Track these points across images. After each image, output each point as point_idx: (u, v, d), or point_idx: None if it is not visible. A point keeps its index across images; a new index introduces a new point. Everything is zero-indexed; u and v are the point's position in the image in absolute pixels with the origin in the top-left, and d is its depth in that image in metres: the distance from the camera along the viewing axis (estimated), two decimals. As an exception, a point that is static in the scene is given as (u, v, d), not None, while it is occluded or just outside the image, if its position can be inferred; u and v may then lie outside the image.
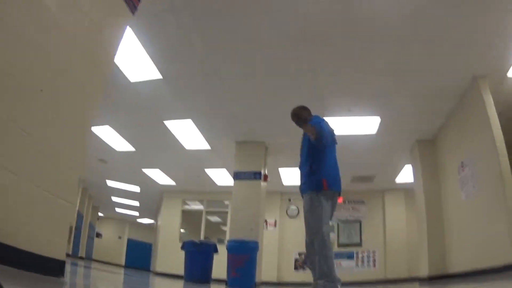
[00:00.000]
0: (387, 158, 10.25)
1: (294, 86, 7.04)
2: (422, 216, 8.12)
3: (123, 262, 22.66)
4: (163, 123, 8.87)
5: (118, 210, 21.44)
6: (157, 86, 7.30)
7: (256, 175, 9.03)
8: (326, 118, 4.88)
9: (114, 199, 18.67)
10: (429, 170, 8.24)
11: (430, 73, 6.43)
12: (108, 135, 9.92)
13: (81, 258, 17.32)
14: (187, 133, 9.39)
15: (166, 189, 14.96)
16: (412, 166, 9.35)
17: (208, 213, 14.69)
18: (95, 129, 9.44)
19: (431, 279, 7.39)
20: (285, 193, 13.31)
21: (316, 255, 3.89)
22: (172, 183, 14.04)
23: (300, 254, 12.51)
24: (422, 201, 8.18)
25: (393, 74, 6.52)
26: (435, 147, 8.39)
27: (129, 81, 7.12)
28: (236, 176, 9.17)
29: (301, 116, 4.30)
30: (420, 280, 8.21)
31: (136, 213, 21.66)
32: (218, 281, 8.93)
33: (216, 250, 8.27)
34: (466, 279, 6.16)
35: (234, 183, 9.17)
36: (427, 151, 8.48)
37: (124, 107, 8.34)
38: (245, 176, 9.05)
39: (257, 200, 8.84)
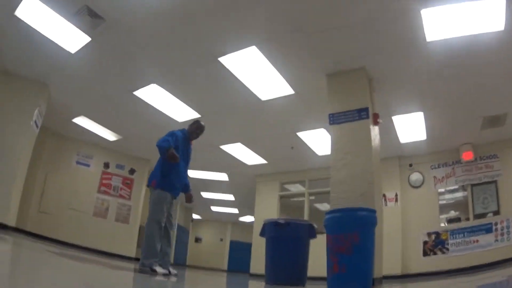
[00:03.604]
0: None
1: None
2: None
3: (225, 266, 21.87)
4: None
5: (214, 208, 20.17)
6: None
7: (362, 114, 6.24)
8: None
9: (204, 194, 17.08)
10: None
11: None
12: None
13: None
14: (258, 74, 7.13)
15: (257, 171, 12.83)
16: None
17: (312, 195, 11.92)
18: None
19: None
20: (404, 156, 10.34)
21: None
22: (262, 161, 11.80)
23: (429, 234, 9.42)
24: None
25: None
26: None
27: None
28: (333, 119, 6.45)
29: None
30: None
31: (236, 210, 20.12)
32: (318, 279, 6.25)
33: (313, 233, 5.58)
34: None
35: (331, 130, 6.49)
36: None
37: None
38: (345, 118, 6.33)
39: (366, 151, 6.04)
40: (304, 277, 5.54)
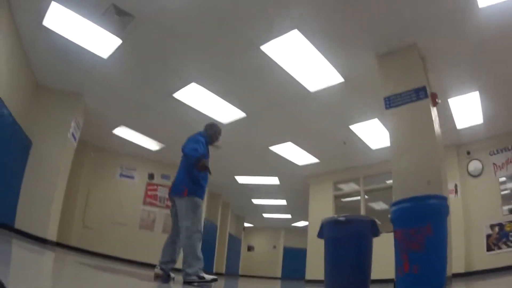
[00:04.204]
0: None
1: None
2: None
3: (279, 274, 21.36)
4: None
5: (266, 215, 19.73)
6: None
7: (420, 93, 5.57)
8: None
9: (256, 201, 16.62)
10: None
11: None
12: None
13: (219, 274, 15.45)
14: (304, 62, 6.56)
15: (310, 172, 12.17)
16: None
17: (368, 192, 11.14)
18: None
19: None
20: (462, 144, 9.39)
21: None
22: (314, 160, 11.13)
23: (492, 226, 8.40)
24: None
25: None
26: None
27: None
28: (389, 102, 5.81)
29: None
30: None
31: (288, 216, 19.53)
32: (379, 282, 5.61)
33: (376, 231, 4.92)
34: None
35: (388, 115, 5.85)
36: None
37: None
38: (402, 100, 5.68)
39: (429, 134, 5.34)
40: (367, 280, 4.88)
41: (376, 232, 4.92)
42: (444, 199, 3.97)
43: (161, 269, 4.93)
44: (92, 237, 10.30)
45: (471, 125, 8.41)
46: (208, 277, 4.75)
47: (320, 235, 5.24)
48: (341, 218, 4.89)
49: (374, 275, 5.12)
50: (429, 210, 3.81)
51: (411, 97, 5.62)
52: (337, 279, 4.84)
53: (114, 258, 9.96)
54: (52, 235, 7.68)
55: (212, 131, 5.54)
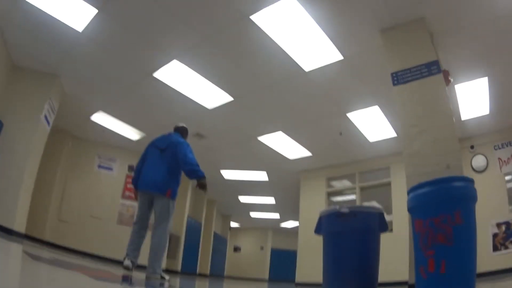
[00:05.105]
0: None
1: None
2: None
3: (266, 275, 20.94)
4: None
5: (253, 215, 19.03)
6: None
7: (432, 68, 4.91)
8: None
9: (243, 199, 15.98)
10: None
11: None
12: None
13: (202, 276, 14.82)
14: (299, 36, 5.87)
15: (301, 167, 11.46)
16: None
17: (363, 190, 10.45)
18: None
19: None
20: (466, 137, 8.65)
21: None
22: (307, 153, 10.40)
23: (499, 225, 7.78)
24: None
25: None
26: None
27: None
28: (397, 78, 5.15)
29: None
30: None
31: (277, 215, 18.85)
32: (386, 286, 4.97)
33: (384, 225, 4.21)
34: None
35: (396, 92, 5.16)
36: None
37: None
38: (412, 75, 5.02)
39: (444, 112, 4.67)
40: (374, 283, 4.16)
41: (384, 227, 4.22)
42: (472, 181, 3.27)
43: (132, 261, 4.92)
44: (68, 231, 9.63)
45: (477, 116, 7.78)
46: (166, 277, 5.12)
47: (317, 230, 4.52)
48: (344, 210, 4.16)
49: (387, 277, 4.48)
50: (457, 194, 3.14)
51: (422, 72, 4.96)
52: (338, 282, 4.11)
53: (86, 254, 9.26)
54: (19, 226, 7.03)
55: (186, 134, 5.81)
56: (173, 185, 5.10)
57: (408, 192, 3.44)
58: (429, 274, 3.01)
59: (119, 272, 4.90)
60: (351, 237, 4.11)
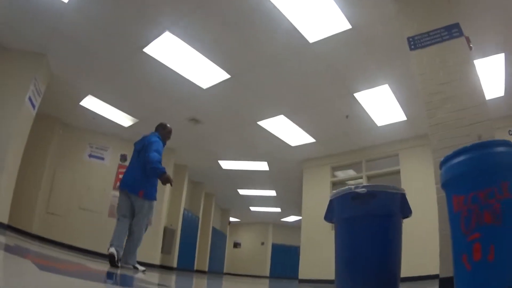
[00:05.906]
0: None
1: None
2: None
3: (267, 272, 20.44)
4: None
5: (253, 209, 18.49)
6: None
7: (453, 31, 4.38)
8: None
9: (242, 192, 15.45)
10: None
11: None
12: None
13: (200, 272, 14.34)
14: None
15: (304, 155, 10.88)
16: None
17: (370, 179, 9.83)
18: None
19: None
20: None
21: None
22: (310, 139, 9.76)
23: None
24: None
25: None
26: None
27: None
28: (415, 42, 4.61)
29: None
30: None
31: (278, 209, 18.30)
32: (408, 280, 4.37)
33: (407, 208, 3.58)
34: None
35: (414, 58, 4.60)
36: None
37: None
38: (431, 39, 4.48)
39: (469, 77, 4.10)
40: (397, 277, 3.52)
41: (406, 211, 3.60)
42: (513, 145, 2.61)
43: (117, 251, 4.90)
44: (56, 224, 9.12)
45: (490, 98, 7.15)
46: (140, 268, 5.28)
47: (328, 216, 3.88)
48: (361, 190, 3.52)
49: (410, 271, 3.85)
50: (502, 162, 2.44)
51: (443, 35, 4.42)
52: (355, 277, 3.45)
53: (74, 247, 8.74)
54: (2, 217, 6.58)
55: (165, 132, 5.91)
56: (147, 186, 5.33)
57: (441, 164, 2.81)
58: (474, 264, 2.38)
59: (96, 266, 4.33)
60: (370, 223, 3.48)
